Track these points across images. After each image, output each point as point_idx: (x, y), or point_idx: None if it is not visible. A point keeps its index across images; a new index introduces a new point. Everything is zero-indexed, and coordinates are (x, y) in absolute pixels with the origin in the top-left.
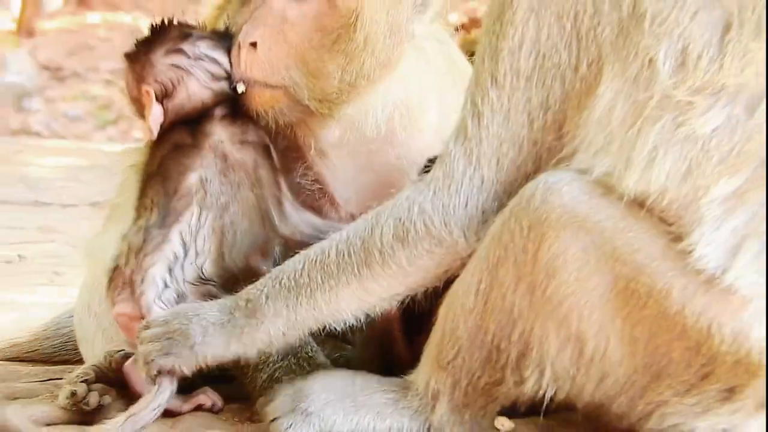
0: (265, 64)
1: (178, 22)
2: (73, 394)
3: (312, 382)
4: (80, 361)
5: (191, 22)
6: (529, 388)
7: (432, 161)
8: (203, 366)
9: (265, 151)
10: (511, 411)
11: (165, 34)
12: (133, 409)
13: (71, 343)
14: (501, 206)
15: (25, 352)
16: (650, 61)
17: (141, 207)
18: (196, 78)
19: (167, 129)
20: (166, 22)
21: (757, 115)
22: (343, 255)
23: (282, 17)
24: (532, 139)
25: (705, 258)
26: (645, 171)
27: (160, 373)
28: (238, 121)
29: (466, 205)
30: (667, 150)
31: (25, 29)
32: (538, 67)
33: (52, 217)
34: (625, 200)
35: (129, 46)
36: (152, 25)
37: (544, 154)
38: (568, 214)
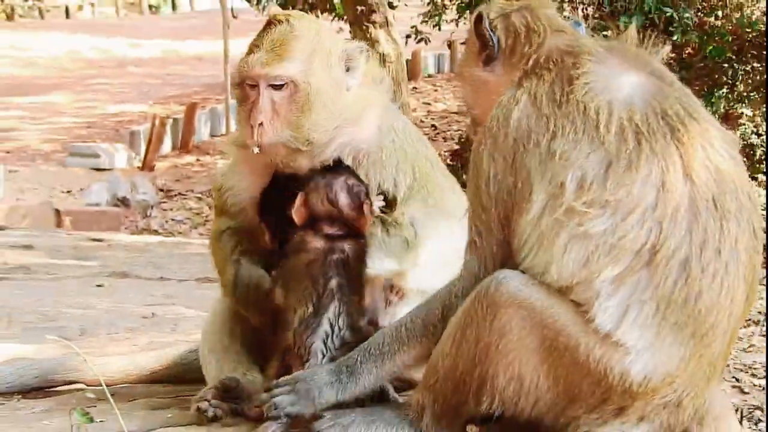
0: (270, 133)
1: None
2: (199, 408)
3: (344, 410)
4: (202, 382)
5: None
6: (484, 408)
7: None
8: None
9: (361, 252)
10: (478, 420)
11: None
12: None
13: (193, 371)
14: None
15: (161, 377)
16: (561, 183)
17: (298, 303)
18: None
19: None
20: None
21: (629, 220)
22: (411, 330)
23: (272, 101)
24: (508, 240)
25: (602, 322)
26: (561, 264)
27: (286, 416)
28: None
29: None
30: (573, 246)
31: (148, 165)
32: (498, 190)
33: (172, 288)
34: (553, 288)
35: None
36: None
37: None
38: (512, 298)
